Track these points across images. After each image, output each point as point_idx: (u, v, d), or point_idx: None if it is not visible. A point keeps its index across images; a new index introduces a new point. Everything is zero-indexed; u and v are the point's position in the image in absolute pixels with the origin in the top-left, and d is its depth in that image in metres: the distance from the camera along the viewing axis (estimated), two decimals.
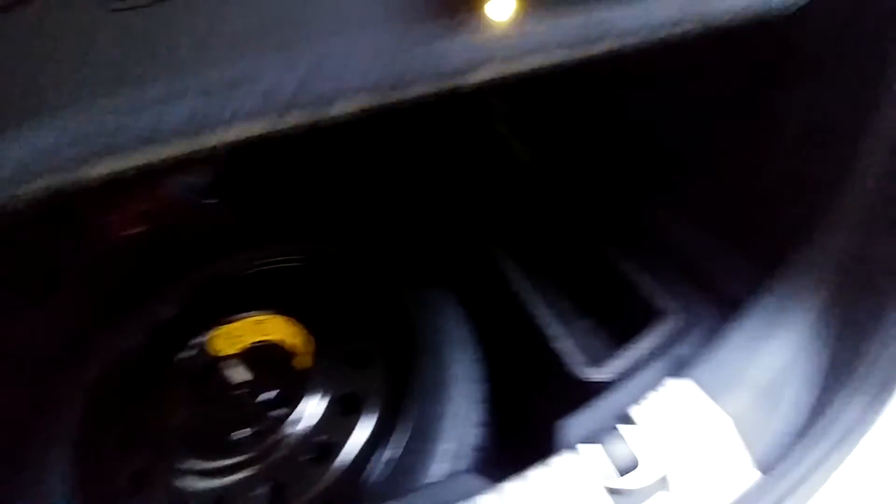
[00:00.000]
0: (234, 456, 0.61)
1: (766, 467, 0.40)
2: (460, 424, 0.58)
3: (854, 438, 0.39)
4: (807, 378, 0.45)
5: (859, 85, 0.46)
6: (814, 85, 0.50)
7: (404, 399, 0.61)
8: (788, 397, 0.44)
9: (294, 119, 0.31)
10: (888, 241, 0.45)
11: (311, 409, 0.63)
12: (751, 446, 0.40)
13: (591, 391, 0.49)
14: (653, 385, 0.45)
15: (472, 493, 0.39)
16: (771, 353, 0.45)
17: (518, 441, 0.54)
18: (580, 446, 0.41)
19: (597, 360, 0.56)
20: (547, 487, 0.39)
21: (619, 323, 0.60)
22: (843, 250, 0.47)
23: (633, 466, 0.39)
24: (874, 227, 0.46)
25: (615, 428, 0.41)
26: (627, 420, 0.42)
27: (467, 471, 0.53)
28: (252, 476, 0.59)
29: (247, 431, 0.63)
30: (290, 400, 0.64)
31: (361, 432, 0.61)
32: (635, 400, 0.43)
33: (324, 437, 0.62)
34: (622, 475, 0.39)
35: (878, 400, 0.40)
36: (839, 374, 0.43)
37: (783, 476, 0.38)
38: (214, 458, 0.61)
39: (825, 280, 0.47)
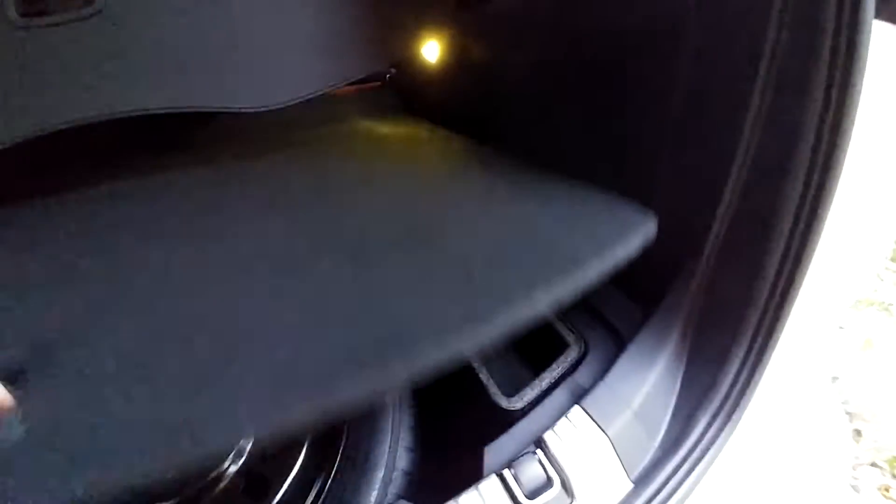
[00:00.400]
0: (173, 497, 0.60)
1: (638, 480, 0.51)
2: (391, 451, 0.63)
3: (711, 456, 0.52)
4: (672, 403, 0.57)
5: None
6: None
7: (336, 429, 0.65)
8: (657, 420, 0.56)
9: None
10: (732, 282, 0.58)
11: (244, 443, 0.64)
12: (626, 463, 0.51)
13: (508, 418, 0.58)
14: (557, 413, 0.54)
15: None
16: (643, 382, 0.57)
17: (445, 465, 0.61)
18: (504, 471, 0.49)
19: (514, 390, 0.64)
20: None
21: (532, 355, 0.70)
22: (699, 293, 0.60)
23: (545, 485, 0.48)
24: (723, 270, 0.58)
25: (533, 452, 0.50)
26: (540, 444, 0.51)
27: (399, 496, 0.58)
28: None
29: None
30: None
31: (295, 464, 0.64)
32: (545, 427, 0.52)
33: (259, 472, 0.63)
34: (537, 495, 0.48)
35: (731, 422, 0.53)
36: (699, 400, 0.56)
37: (650, 487, 0.49)
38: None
39: (686, 320, 0.60)
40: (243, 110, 0.99)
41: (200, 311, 0.44)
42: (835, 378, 1.52)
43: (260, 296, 0.45)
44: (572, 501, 0.48)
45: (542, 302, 0.43)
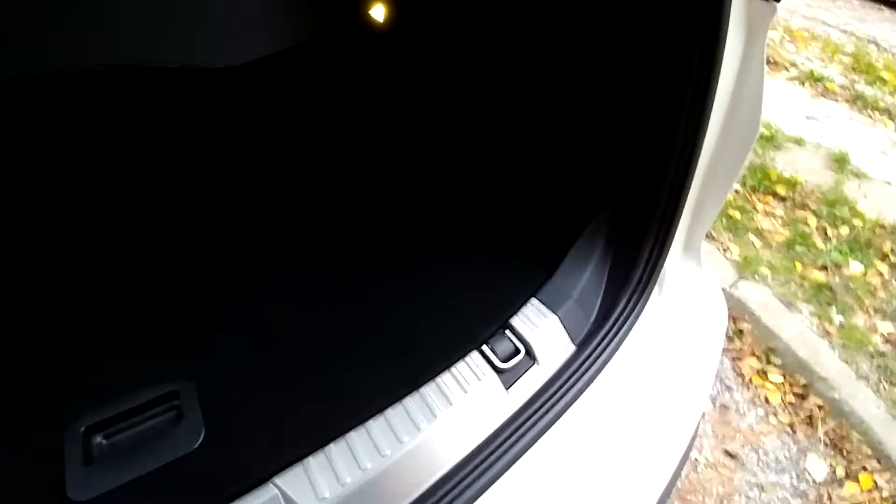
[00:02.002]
0: None
1: (579, 344, 0.69)
2: None
3: (629, 326, 0.71)
4: (601, 291, 0.75)
5: None
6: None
7: None
8: (591, 303, 0.74)
9: None
10: (636, 210, 0.77)
11: None
12: (570, 333, 0.69)
13: None
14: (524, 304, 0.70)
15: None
16: (580, 278, 0.75)
17: None
18: (483, 346, 0.64)
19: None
20: (462, 372, 0.61)
21: None
22: (616, 218, 0.79)
23: (515, 353, 0.64)
24: (628, 202, 0.78)
25: (503, 332, 0.66)
26: (508, 326, 0.67)
27: None
28: None
29: None
30: None
31: None
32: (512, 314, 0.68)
33: None
34: (509, 360, 0.64)
35: (642, 301, 0.72)
36: (619, 288, 0.74)
37: (588, 348, 0.67)
38: None
39: (607, 236, 0.79)
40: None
41: None
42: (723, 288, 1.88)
43: None
44: (534, 362, 0.64)
45: None
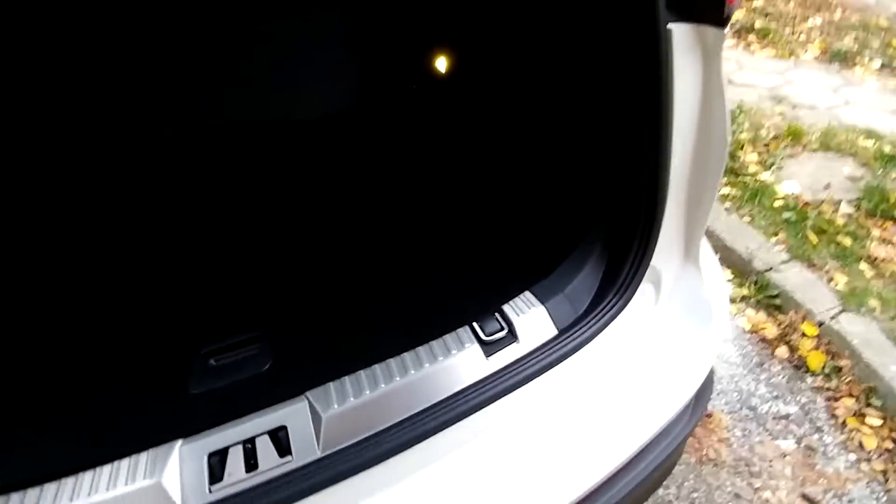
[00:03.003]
0: None
1: (561, 330, 0.80)
2: None
3: (611, 317, 0.80)
4: (594, 289, 0.85)
5: None
6: None
7: None
8: (581, 299, 0.84)
9: None
10: (623, 223, 0.86)
11: None
12: (555, 321, 0.80)
13: None
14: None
15: None
16: (573, 278, 0.86)
17: None
18: (473, 323, 0.79)
19: None
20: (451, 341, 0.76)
21: None
22: (609, 229, 0.88)
23: (499, 331, 0.78)
24: (618, 219, 0.87)
25: (493, 314, 0.80)
26: (499, 310, 0.81)
27: None
28: None
29: None
30: None
31: None
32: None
33: None
34: (493, 335, 0.78)
35: (625, 297, 0.81)
36: (609, 284, 0.84)
37: (569, 332, 0.78)
38: None
39: (602, 244, 0.88)
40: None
41: None
42: None
43: None
44: (515, 340, 0.77)
45: None
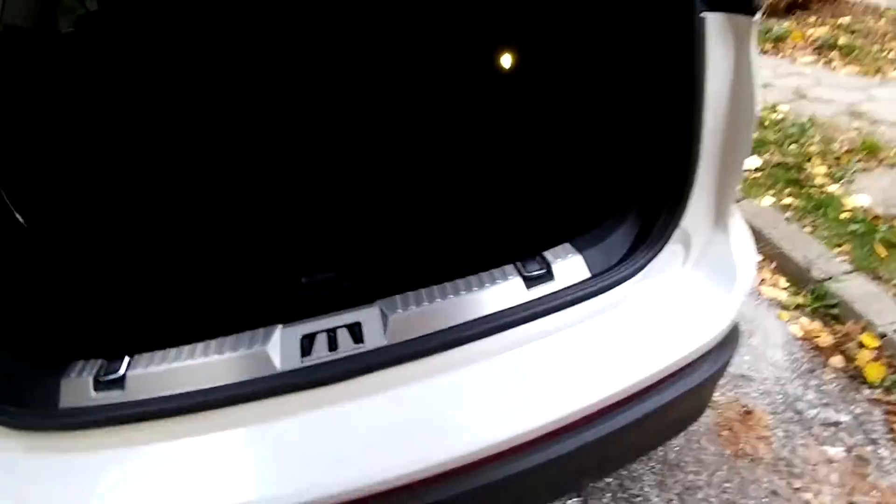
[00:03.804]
0: None
1: (594, 274, 0.90)
2: None
3: (638, 268, 0.90)
4: (627, 247, 0.95)
5: None
6: None
7: None
8: (615, 253, 0.94)
9: None
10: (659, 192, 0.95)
11: None
12: (590, 266, 0.91)
13: None
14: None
15: None
16: (609, 235, 0.96)
17: None
18: (517, 263, 0.91)
19: None
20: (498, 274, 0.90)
21: None
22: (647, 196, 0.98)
23: (538, 269, 0.90)
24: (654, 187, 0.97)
25: (534, 258, 0.92)
26: (541, 254, 0.93)
27: None
28: None
29: None
30: None
31: None
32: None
33: None
34: (532, 272, 0.90)
35: (652, 252, 0.91)
36: (639, 243, 0.94)
37: (601, 276, 0.89)
38: None
39: (639, 208, 0.97)
40: None
41: None
42: None
43: None
44: (552, 278, 0.89)
45: None
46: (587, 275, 0.91)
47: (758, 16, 0.80)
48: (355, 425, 0.77)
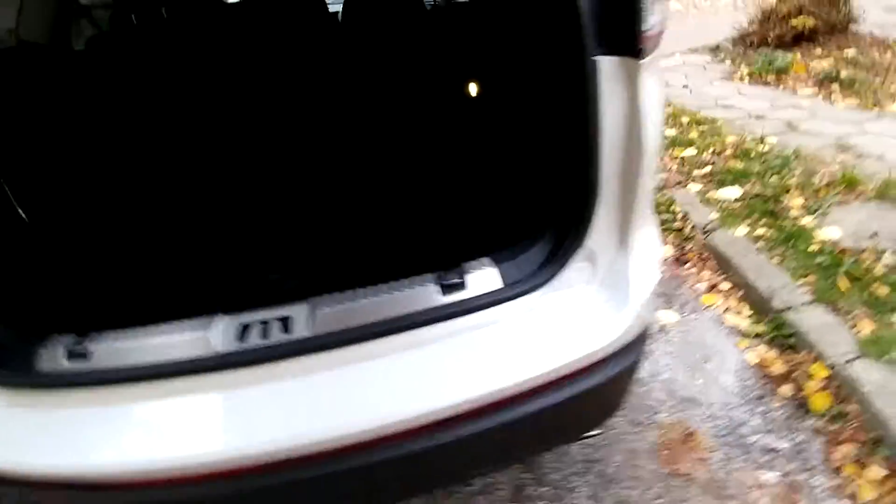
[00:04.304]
0: None
1: (506, 284, 0.99)
2: None
3: (545, 282, 0.99)
4: (537, 261, 1.03)
5: None
6: None
7: None
8: (527, 268, 1.02)
9: None
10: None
11: None
12: (504, 278, 0.99)
13: None
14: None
15: None
16: (525, 252, 1.04)
17: None
18: (438, 272, 1.01)
19: None
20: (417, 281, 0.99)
21: None
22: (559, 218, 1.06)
23: (455, 278, 0.99)
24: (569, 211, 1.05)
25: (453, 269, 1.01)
26: (459, 265, 1.02)
27: None
28: None
29: None
30: None
31: None
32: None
33: None
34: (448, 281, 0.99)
35: (559, 269, 0.99)
36: (550, 260, 1.02)
37: (512, 285, 0.97)
38: None
39: (552, 228, 1.06)
40: None
41: None
42: None
43: None
44: (465, 287, 0.98)
45: None
46: (500, 285, 0.99)
47: (647, 58, 0.88)
48: (276, 401, 0.91)
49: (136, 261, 1.43)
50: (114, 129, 1.62)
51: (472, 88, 1.70)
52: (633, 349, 1.03)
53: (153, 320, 0.96)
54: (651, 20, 0.86)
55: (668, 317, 2.08)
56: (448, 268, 1.02)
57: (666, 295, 2.21)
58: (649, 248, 1.08)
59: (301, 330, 0.92)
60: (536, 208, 1.11)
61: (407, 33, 1.85)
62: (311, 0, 1.95)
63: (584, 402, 0.98)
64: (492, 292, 0.98)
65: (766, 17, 4.65)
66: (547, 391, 0.93)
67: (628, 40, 0.86)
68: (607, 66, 0.89)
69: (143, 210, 1.58)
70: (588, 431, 1.16)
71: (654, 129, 0.93)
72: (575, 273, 1.01)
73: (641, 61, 0.87)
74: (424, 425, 0.90)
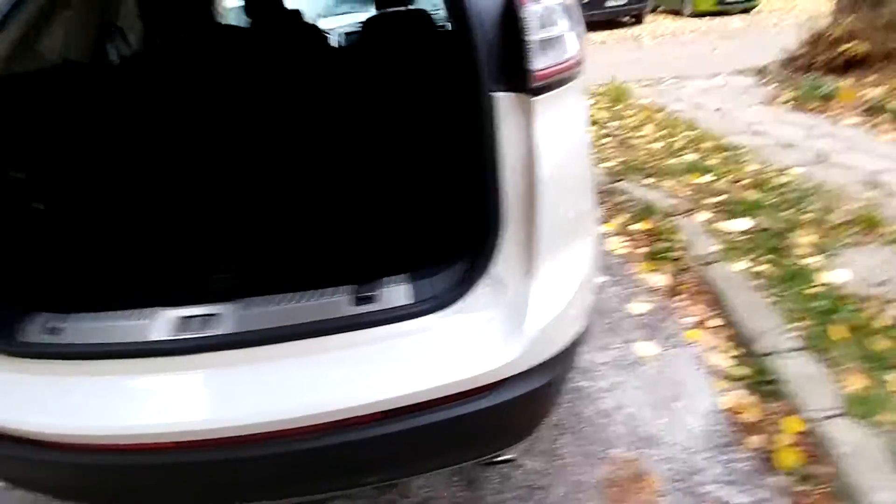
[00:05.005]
0: None
1: (416, 301, 1.01)
2: None
3: (449, 303, 1.00)
4: (449, 283, 1.04)
5: None
6: None
7: None
8: (440, 287, 1.04)
9: None
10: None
11: None
12: (414, 294, 1.02)
13: None
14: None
15: None
16: (440, 271, 1.06)
17: None
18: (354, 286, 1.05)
19: None
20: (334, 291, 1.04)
21: None
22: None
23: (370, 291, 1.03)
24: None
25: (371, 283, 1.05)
26: (378, 282, 1.06)
27: None
28: None
29: None
30: None
31: None
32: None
33: None
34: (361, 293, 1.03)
35: (464, 292, 1.01)
36: (461, 283, 1.03)
37: (422, 300, 1.00)
38: None
39: (466, 253, 1.07)
40: None
41: None
42: None
43: None
44: (377, 301, 1.01)
45: None
46: (408, 302, 1.03)
47: (542, 95, 0.89)
48: (195, 388, 1.02)
49: (113, 253, 1.58)
50: (115, 135, 1.79)
51: (391, 122, 1.87)
52: (536, 375, 1.01)
53: (113, 307, 1.09)
54: (541, 60, 0.86)
55: (646, 349, 1.99)
56: (365, 282, 1.06)
57: (649, 326, 2.12)
58: (567, 275, 1.07)
59: (226, 327, 1.02)
60: (450, 234, 1.13)
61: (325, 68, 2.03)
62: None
63: (474, 423, 0.98)
64: (397, 307, 1.02)
65: (816, 41, 4.36)
66: (432, 407, 0.95)
67: (519, 78, 0.87)
68: (505, 102, 0.90)
69: (128, 208, 1.73)
70: (487, 454, 1.15)
71: (552, 163, 0.92)
72: (481, 297, 1.02)
73: (535, 98, 0.88)
74: (314, 426, 0.94)
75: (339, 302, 1.03)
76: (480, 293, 1.01)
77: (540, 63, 0.87)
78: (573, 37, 1.00)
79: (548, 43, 0.88)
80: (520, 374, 0.98)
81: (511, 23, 0.87)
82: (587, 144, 1.12)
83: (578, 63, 1.02)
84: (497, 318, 1.00)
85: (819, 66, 4.29)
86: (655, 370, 1.90)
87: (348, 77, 1.99)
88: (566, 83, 0.94)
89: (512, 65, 0.87)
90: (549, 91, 0.89)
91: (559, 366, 1.08)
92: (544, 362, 1.03)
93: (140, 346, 1.02)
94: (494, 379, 0.95)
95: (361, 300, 1.03)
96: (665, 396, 1.77)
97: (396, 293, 1.04)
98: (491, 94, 0.89)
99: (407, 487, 1.53)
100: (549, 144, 0.91)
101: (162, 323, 1.03)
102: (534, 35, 0.85)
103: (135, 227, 1.68)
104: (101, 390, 1.01)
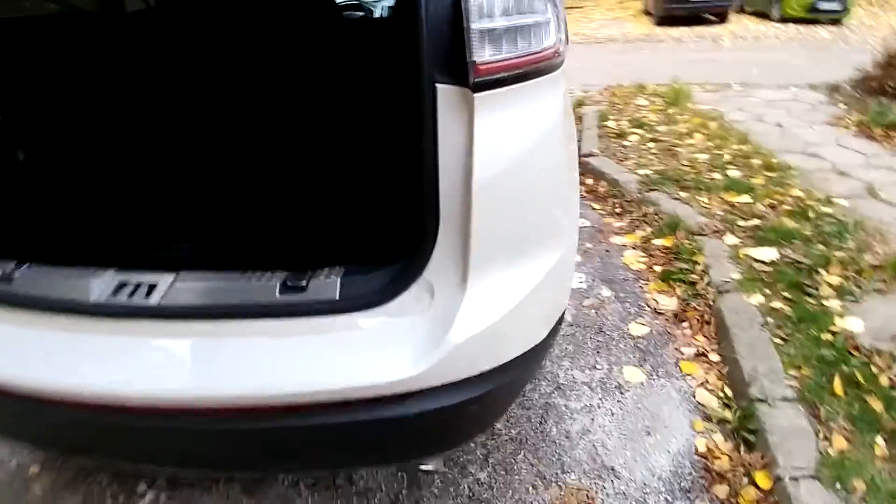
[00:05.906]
0: None
1: (341, 298, 0.99)
2: None
3: (378, 303, 0.97)
4: (380, 283, 1.01)
5: None
6: None
7: None
8: (371, 287, 1.01)
9: None
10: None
11: None
12: (341, 290, 0.99)
13: None
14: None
15: None
16: (372, 272, 1.03)
17: None
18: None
19: None
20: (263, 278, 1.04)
21: None
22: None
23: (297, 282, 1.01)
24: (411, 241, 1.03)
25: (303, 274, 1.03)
26: (308, 275, 1.04)
27: None
28: None
29: None
30: None
31: None
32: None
33: None
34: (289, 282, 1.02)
35: (394, 294, 0.97)
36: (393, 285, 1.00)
37: (347, 300, 0.98)
38: None
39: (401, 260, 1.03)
40: None
41: None
42: None
43: None
44: (303, 291, 0.99)
45: None
46: (335, 297, 1.00)
47: (489, 92, 0.81)
48: (121, 351, 1.03)
49: (78, 207, 1.65)
50: (99, 89, 1.85)
51: (333, 112, 1.82)
52: (457, 390, 0.97)
53: (65, 262, 1.12)
54: (488, 51, 0.78)
55: (633, 375, 1.89)
56: (298, 270, 1.04)
57: (644, 351, 2.00)
58: (513, 289, 1.00)
59: (159, 298, 1.02)
60: (389, 233, 1.09)
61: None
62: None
63: (381, 430, 0.96)
64: (321, 301, 0.99)
65: (890, 63, 3.89)
66: (330, 410, 0.93)
67: (461, 70, 0.80)
68: (449, 96, 0.83)
69: (102, 164, 1.80)
70: (398, 461, 1.12)
71: (495, 168, 0.86)
72: (411, 302, 0.98)
73: (478, 94, 0.81)
74: (207, 408, 0.95)
75: (270, 287, 1.02)
76: (412, 297, 0.97)
77: (485, 55, 0.79)
78: (549, 26, 0.90)
79: (502, 32, 0.79)
80: (437, 387, 0.94)
81: (456, 6, 0.79)
82: (560, 148, 1.04)
83: (555, 55, 0.92)
84: (423, 326, 0.95)
85: (891, 90, 3.84)
86: (635, 399, 1.79)
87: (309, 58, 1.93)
88: (532, 78, 0.86)
89: (455, 55, 0.80)
90: (499, 87, 0.81)
91: (492, 382, 1.03)
92: (472, 377, 0.98)
93: (72, 303, 1.05)
94: (403, 390, 0.91)
95: (288, 288, 1.01)
96: (638, 428, 1.67)
97: (325, 287, 1.01)
98: (435, 84, 0.82)
99: (350, 476, 1.53)
100: (492, 147, 0.84)
101: (100, 284, 1.05)
102: (476, 23, 0.77)
103: (104, 186, 1.73)
104: (29, 339, 1.05)
